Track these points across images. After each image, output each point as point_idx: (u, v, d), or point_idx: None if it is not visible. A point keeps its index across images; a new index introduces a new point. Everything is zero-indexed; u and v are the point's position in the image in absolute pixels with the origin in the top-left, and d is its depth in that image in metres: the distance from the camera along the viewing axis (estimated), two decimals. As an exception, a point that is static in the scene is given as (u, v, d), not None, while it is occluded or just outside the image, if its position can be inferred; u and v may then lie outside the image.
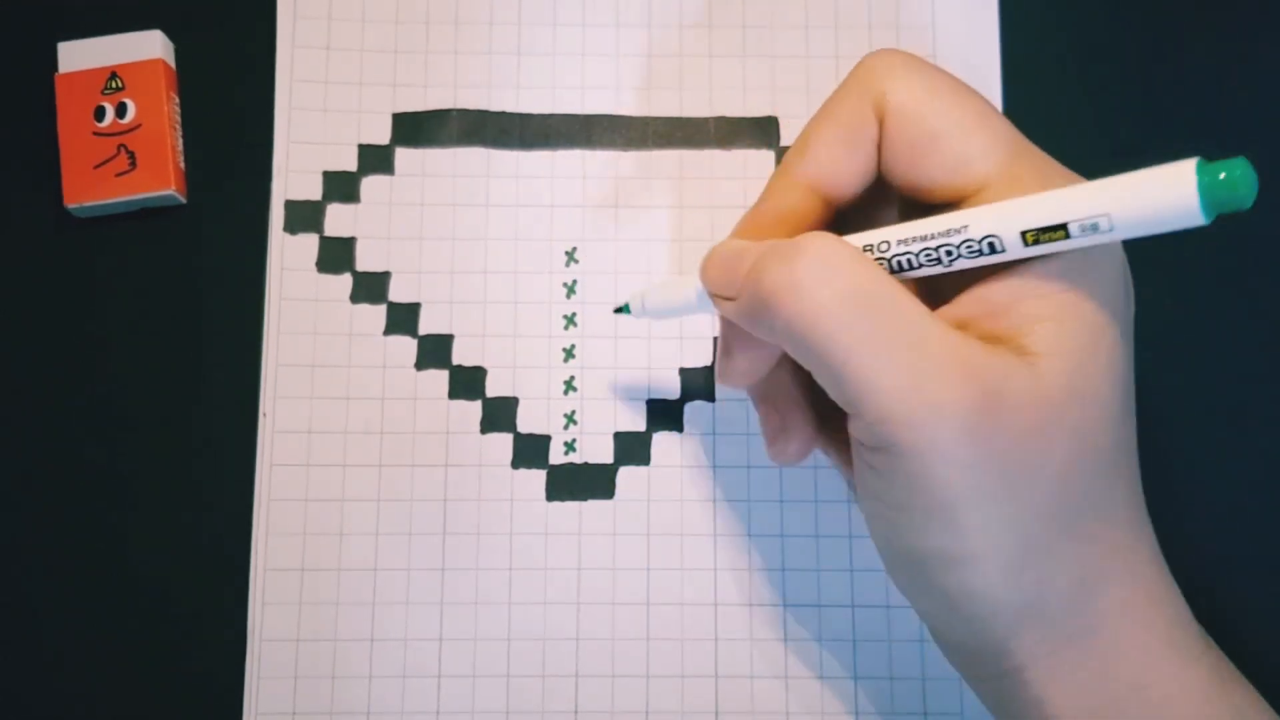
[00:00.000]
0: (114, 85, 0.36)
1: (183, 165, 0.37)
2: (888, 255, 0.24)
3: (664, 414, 0.36)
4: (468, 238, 0.37)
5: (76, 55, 0.36)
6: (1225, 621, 0.35)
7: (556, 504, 0.35)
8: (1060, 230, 0.20)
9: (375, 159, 0.37)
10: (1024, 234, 0.21)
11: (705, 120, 0.37)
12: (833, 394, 0.24)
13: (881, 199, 0.28)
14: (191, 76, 0.37)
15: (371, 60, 0.37)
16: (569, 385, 0.36)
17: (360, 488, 0.35)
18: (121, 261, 0.36)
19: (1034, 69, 0.38)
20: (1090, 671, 0.25)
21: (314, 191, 0.37)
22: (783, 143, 0.37)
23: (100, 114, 0.36)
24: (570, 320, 0.36)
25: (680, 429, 0.36)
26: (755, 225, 0.27)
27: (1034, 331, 0.23)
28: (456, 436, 0.36)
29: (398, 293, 0.36)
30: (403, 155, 0.37)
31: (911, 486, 0.23)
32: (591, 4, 0.38)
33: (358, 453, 0.35)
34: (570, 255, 0.37)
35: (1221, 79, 0.37)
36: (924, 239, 0.23)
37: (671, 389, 0.36)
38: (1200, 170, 0.19)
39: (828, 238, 0.24)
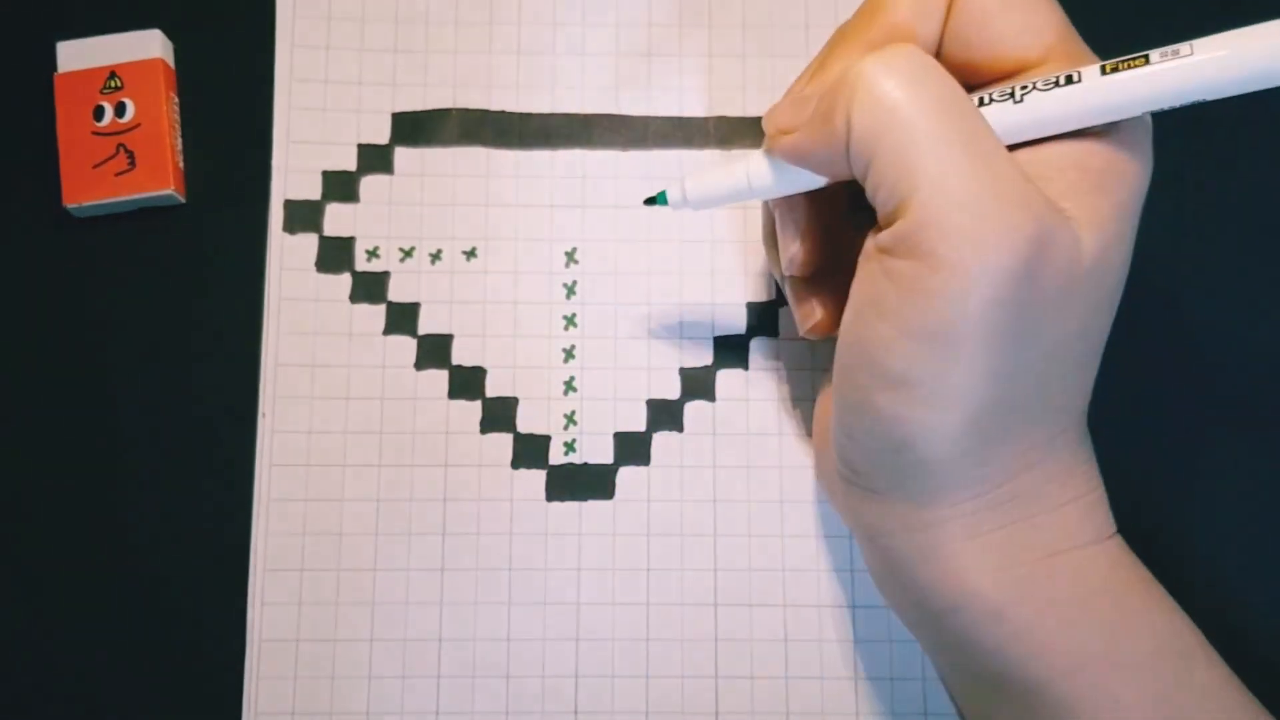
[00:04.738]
0: (113, 85, 0.36)
1: (182, 165, 0.37)
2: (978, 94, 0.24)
3: (664, 414, 0.36)
4: (467, 237, 0.37)
5: (75, 55, 0.36)
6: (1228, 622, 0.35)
7: (556, 504, 0.35)
8: (1142, 58, 0.20)
9: (375, 158, 0.37)
10: (1103, 66, 0.21)
11: (705, 120, 0.37)
12: (882, 194, 0.24)
13: None
14: (191, 76, 0.37)
15: (371, 60, 0.37)
16: (569, 385, 0.36)
17: (360, 488, 0.35)
18: (121, 261, 0.36)
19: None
20: (1007, 535, 0.26)
21: (313, 191, 0.37)
22: (783, 142, 0.37)
23: (99, 113, 0.36)
24: (570, 320, 0.36)
25: (680, 429, 0.36)
26: (816, 80, 0.27)
27: (1075, 199, 0.23)
28: (456, 436, 0.36)
29: (397, 292, 0.36)
30: (402, 155, 0.37)
31: (928, 304, 0.23)
32: (591, 4, 0.38)
33: (357, 453, 0.35)
34: (570, 255, 0.37)
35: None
36: (1009, 83, 0.23)
37: (672, 389, 0.36)
38: None
39: (913, 48, 0.24)
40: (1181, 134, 0.37)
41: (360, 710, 0.34)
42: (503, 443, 0.36)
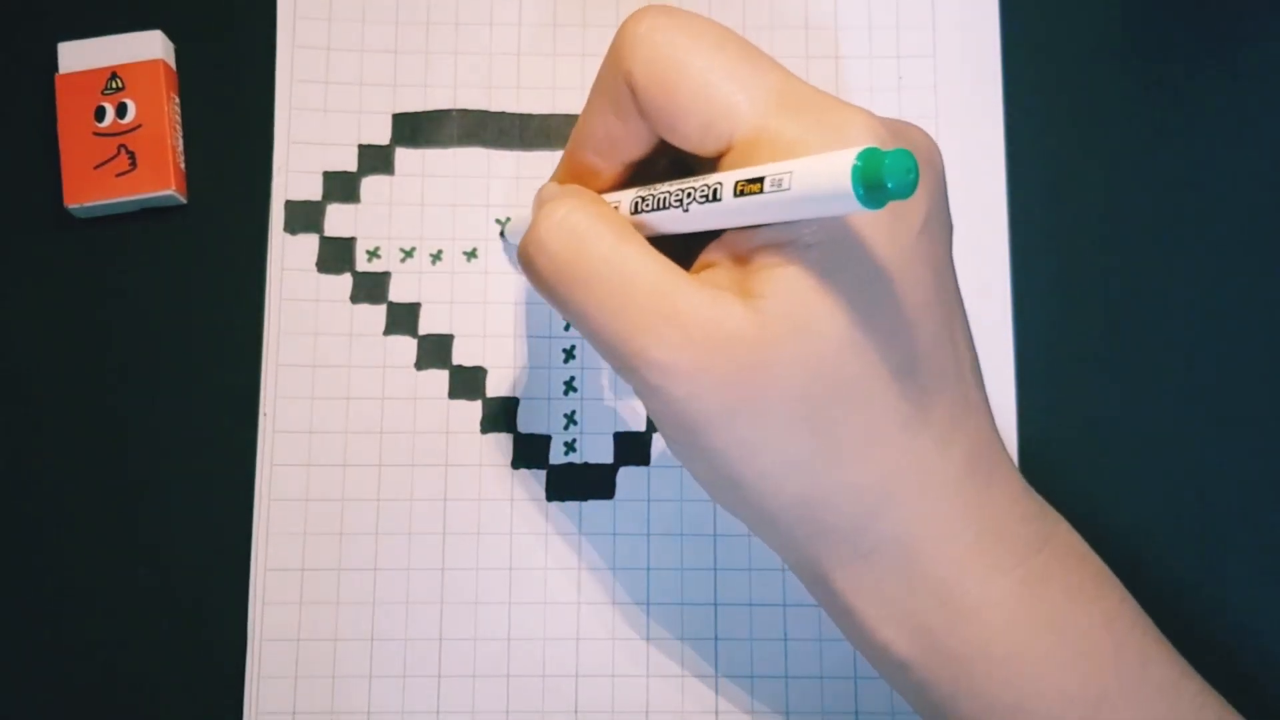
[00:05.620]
0: (114, 85, 0.36)
1: (183, 165, 0.37)
2: (655, 193, 0.26)
3: (664, 414, 0.36)
4: (467, 238, 0.37)
5: (77, 55, 0.36)
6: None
7: (556, 504, 0.35)
8: (758, 183, 0.23)
9: (375, 159, 0.37)
10: (736, 184, 0.23)
11: (705, 120, 0.37)
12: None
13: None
14: (191, 76, 0.37)
15: (372, 60, 0.37)
16: (569, 385, 0.36)
17: (360, 488, 0.35)
18: (121, 262, 0.36)
19: (1034, 67, 0.38)
20: (891, 583, 0.26)
21: (314, 191, 0.37)
22: (783, 143, 0.37)
23: (100, 114, 0.36)
24: (570, 320, 0.36)
25: (680, 429, 0.36)
26: (561, 174, 0.29)
27: (760, 275, 0.24)
28: (456, 436, 0.36)
29: (398, 293, 0.36)
30: (403, 155, 0.37)
31: (655, 416, 0.26)
32: (592, 4, 0.38)
33: (358, 452, 0.35)
34: (570, 255, 0.37)
35: (1222, 70, 0.37)
36: (679, 185, 0.25)
37: (671, 389, 0.36)
38: (861, 155, 0.20)
39: (565, 202, 0.26)
40: (1176, 132, 0.37)
41: (360, 710, 0.34)
42: (503, 443, 0.36)
